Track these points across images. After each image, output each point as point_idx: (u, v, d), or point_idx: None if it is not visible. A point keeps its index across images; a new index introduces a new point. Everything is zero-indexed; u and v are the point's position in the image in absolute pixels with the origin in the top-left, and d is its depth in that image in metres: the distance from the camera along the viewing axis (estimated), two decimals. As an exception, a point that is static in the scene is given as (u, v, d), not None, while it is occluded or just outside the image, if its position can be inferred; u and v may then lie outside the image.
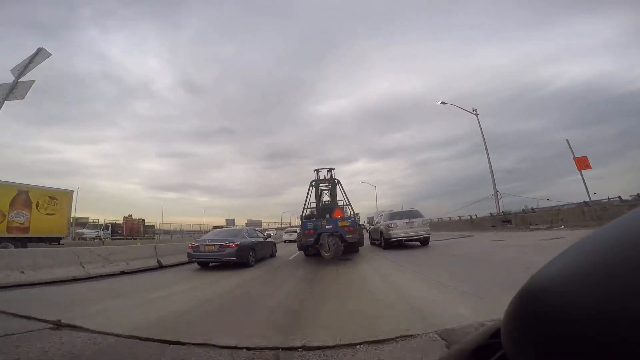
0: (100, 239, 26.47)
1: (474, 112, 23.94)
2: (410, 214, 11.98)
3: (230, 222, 59.49)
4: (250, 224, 62.90)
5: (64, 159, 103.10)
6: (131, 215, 35.47)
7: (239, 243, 8.87)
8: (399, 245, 11.84)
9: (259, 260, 10.11)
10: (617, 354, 0.22)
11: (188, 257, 9.24)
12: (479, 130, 24.01)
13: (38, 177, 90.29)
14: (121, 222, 33.85)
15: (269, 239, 12.17)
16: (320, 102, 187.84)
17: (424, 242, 11.84)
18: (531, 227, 16.26)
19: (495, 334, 0.40)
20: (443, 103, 24.67)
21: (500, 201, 23.60)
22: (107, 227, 30.80)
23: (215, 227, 43.55)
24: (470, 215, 25.43)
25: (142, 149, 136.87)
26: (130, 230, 33.43)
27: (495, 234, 15.93)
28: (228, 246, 8.66)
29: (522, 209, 21.36)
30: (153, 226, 38.56)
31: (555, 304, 0.28)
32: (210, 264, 9.31)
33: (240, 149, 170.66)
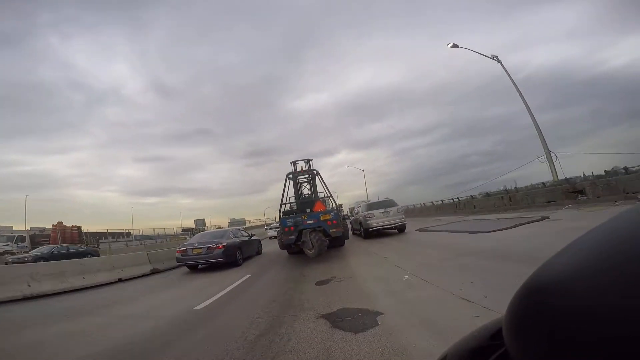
0: (14, 253, 19.56)
1: (495, 58, 19.04)
2: (386, 204, 12.86)
3: (200, 222, 57.88)
4: (233, 223, 62.22)
5: (34, 171, 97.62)
6: (61, 222, 29.18)
7: (226, 244, 9.30)
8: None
9: (246, 258, 10.58)
10: (626, 349, 0.21)
11: (177, 262, 9.61)
12: (501, 78, 18.72)
13: (8, 191, 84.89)
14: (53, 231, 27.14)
15: (253, 237, 12.61)
16: (299, 97, 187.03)
17: (400, 229, 12.75)
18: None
19: (496, 332, 0.38)
20: (455, 46, 19.17)
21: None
22: (22, 238, 23.45)
23: (184, 230, 42.59)
24: (505, 188, 19.41)
25: (117, 155, 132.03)
26: (63, 241, 26.52)
27: (590, 212, 9.27)
28: (216, 248, 9.08)
29: (605, 171, 14.12)
30: (81, 234, 30.92)
31: (561, 299, 0.27)
32: (199, 267, 9.72)
33: (220, 148, 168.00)
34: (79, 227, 30.73)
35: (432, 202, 27.76)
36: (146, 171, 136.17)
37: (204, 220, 60.36)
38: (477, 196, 22.00)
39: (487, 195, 20.61)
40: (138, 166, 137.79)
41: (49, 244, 24.21)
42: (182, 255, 9.37)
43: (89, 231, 34.21)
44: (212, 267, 9.37)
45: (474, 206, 19.61)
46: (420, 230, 12.80)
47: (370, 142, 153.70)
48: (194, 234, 39.47)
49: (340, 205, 25.73)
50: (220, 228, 25.44)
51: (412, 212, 30.76)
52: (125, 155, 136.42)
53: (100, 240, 32.48)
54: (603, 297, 0.24)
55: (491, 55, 19.00)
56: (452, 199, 23.96)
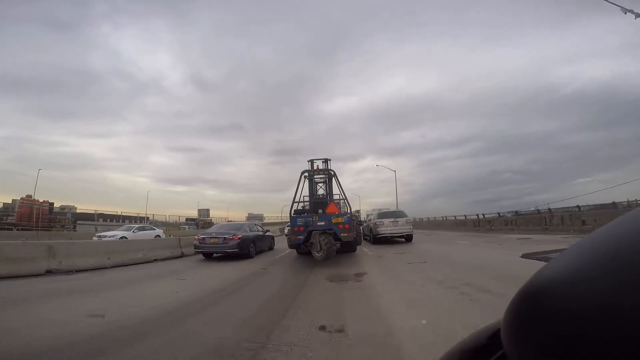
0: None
1: (630, 12, 12.90)
2: (396, 214, 13.55)
3: (204, 212, 55.77)
4: (251, 217, 63.15)
5: (76, 152, 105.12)
6: (30, 196, 25.75)
7: (241, 236, 9.99)
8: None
9: (258, 252, 11.17)
10: (621, 350, 0.22)
11: (195, 249, 10.40)
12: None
13: (51, 169, 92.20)
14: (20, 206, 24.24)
15: (267, 233, 13.21)
16: (329, 99, 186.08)
17: (408, 238, 13.30)
18: None
19: (494, 335, 0.40)
20: None
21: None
22: None
23: (188, 219, 44.13)
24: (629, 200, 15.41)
25: (152, 143, 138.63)
26: (29, 218, 23.96)
27: None
28: (232, 239, 9.77)
29: None
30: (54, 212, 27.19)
31: (557, 302, 0.28)
32: (214, 255, 10.45)
33: (248, 144, 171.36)
34: (51, 203, 27.45)
35: (498, 214, 22.29)
36: (177, 160, 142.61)
37: (208, 210, 57.38)
38: (586, 208, 16.41)
39: (614, 205, 15.53)
40: (171, 155, 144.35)
41: (16, 221, 22.21)
42: (199, 243, 10.15)
43: (99, 212, 30.83)
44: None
45: (584, 222, 14.70)
46: (532, 257, 7.60)
47: (397, 150, 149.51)
48: (197, 224, 40.28)
49: (357, 211, 25.65)
50: (230, 222, 25.07)
51: (457, 225, 25.32)
52: (160, 144, 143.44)
53: (78, 222, 27.55)
54: (597, 300, 0.25)
55: (624, 8, 13.14)
56: (538, 209, 18.42)
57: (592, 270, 0.28)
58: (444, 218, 29.67)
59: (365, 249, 11.59)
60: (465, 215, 26.02)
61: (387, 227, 12.80)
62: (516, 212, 21.07)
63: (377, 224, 13.04)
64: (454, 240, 14.35)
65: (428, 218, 33.75)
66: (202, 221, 48.48)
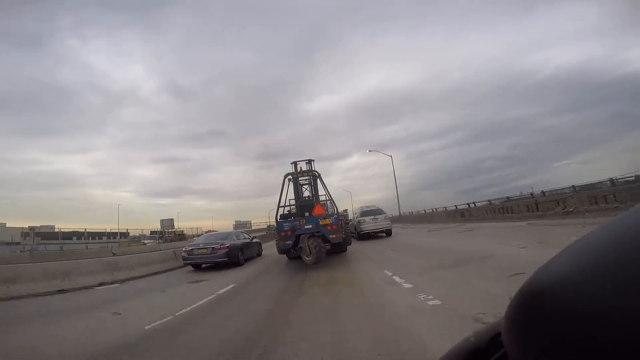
0: None
1: None
2: (375, 212, 14.60)
3: (167, 223, 52.93)
4: (238, 225, 62.14)
5: (56, 170, 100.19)
6: None
7: (229, 245, 10.24)
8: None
9: (247, 259, 11.40)
10: (623, 352, 0.22)
11: (183, 261, 10.54)
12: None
13: (31, 190, 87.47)
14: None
15: (254, 240, 13.43)
16: (312, 99, 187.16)
17: (388, 233, 14.46)
18: None
19: (495, 336, 0.39)
20: None
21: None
22: None
23: (152, 232, 41.75)
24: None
25: (133, 156, 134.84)
26: None
27: None
28: (220, 248, 10.01)
29: None
30: None
31: (558, 302, 0.27)
32: (203, 266, 10.58)
33: (233, 150, 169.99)
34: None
35: (573, 187, 14.46)
36: (161, 172, 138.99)
37: (172, 220, 52.71)
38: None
39: (612, 182, 12.62)
40: (153, 167, 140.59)
41: None
42: (188, 255, 10.30)
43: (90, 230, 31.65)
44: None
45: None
46: None
47: (383, 145, 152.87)
48: (161, 235, 38.36)
49: (345, 210, 26.09)
50: (214, 232, 22.81)
51: (495, 213, 17.32)
52: (141, 156, 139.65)
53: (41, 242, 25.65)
54: (596, 301, 0.25)
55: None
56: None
57: (591, 270, 0.27)
58: (471, 205, 21.24)
59: (397, 279, 5.46)
60: (508, 197, 19.49)
61: (368, 224, 13.90)
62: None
63: (360, 221, 14.14)
64: (564, 238, 6.79)
65: (445, 208, 25.08)
66: (170, 233, 41.45)
